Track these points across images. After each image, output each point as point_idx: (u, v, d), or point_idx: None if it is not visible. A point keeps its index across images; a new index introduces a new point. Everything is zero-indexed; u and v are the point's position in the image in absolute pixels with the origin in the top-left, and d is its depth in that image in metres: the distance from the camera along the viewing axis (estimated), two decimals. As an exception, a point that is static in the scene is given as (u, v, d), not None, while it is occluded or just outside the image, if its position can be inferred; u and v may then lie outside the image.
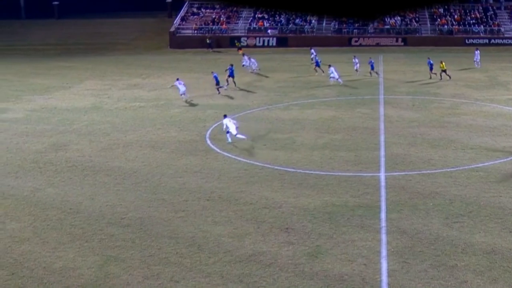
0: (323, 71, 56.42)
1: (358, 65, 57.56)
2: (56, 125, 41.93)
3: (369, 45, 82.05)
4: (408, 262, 20.81)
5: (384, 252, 21.52)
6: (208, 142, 36.62)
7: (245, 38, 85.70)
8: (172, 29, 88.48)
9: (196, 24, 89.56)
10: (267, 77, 58.57)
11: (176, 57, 76.07)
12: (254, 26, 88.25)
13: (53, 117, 44.46)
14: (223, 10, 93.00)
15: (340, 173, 30.10)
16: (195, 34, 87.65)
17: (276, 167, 31.33)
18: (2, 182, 30.47)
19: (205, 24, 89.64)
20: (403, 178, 29.21)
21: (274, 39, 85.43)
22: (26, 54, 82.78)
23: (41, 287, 20.09)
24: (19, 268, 21.37)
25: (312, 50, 66.20)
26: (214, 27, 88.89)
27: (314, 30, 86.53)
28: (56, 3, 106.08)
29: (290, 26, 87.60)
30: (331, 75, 52.62)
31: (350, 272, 20.26)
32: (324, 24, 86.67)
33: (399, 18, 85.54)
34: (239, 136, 35.77)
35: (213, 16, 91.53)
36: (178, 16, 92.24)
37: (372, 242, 22.32)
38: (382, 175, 29.72)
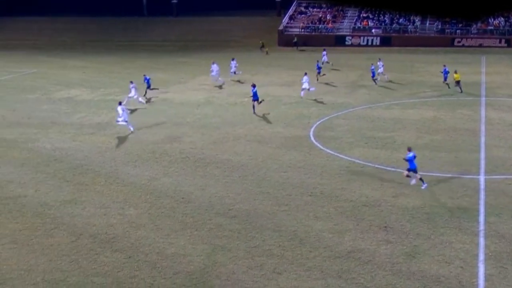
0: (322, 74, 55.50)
1: (382, 69, 55.21)
2: (172, 118, 42.71)
3: (472, 46, 79.75)
4: (506, 267, 20.02)
5: (481, 256, 20.78)
6: (312, 138, 36.43)
7: (350, 37, 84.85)
8: (281, 27, 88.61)
9: (303, 23, 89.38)
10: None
11: (283, 55, 76.05)
12: (359, 25, 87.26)
13: (169, 110, 45.32)
14: (329, 10, 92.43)
15: (439, 174, 29.31)
16: (302, 33, 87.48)
17: (377, 166, 30.83)
18: (123, 170, 31.27)
19: (311, 23, 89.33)
20: (503, 181, 28.15)
21: (378, 38, 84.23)
22: (147, 49, 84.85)
23: (154, 271, 20.44)
24: (135, 252, 21.84)
25: (324, 52, 65.12)
26: (320, 26, 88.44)
27: (417, 30, 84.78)
28: (175, 1, 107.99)
29: (393, 25, 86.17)
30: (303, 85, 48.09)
31: (447, 274, 19.69)
32: (427, 24, 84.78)
33: (502, 19, 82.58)
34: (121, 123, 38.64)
35: (320, 15, 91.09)
36: (287, 15, 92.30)
37: (470, 245, 21.60)
38: (482, 177, 28.74)
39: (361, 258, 20.86)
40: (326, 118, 41.40)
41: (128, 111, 40.81)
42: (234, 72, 57.35)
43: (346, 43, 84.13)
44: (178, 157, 33.28)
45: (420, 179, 27.29)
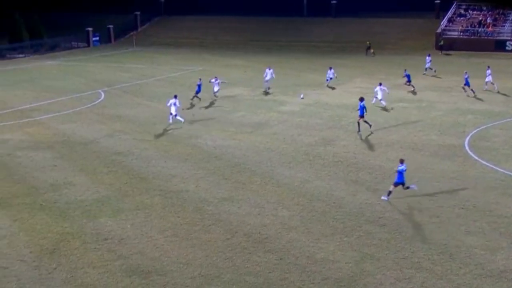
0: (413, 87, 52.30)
1: (490, 77, 51.76)
2: (327, 120, 42.72)
3: None
4: None
5: None
6: (467, 148, 35.16)
7: (511, 42, 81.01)
8: (439, 30, 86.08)
9: (462, 26, 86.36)
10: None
11: (440, 59, 73.82)
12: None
13: (324, 112, 45.35)
14: (490, 12, 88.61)
15: None
16: (461, 36, 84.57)
17: (534, 181, 29.30)
18: (277, 171, 31.65)
19: (471, 26, 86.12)
20: None
21: (542, 44, 79.82)
22: (305, 50, 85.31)
23: (304, 275, 20.53)
24: (286, 255, 22.05)
25: (428, 58, 61.39)
26: (479, 29, 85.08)
27: None
28: (334, 2, 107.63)
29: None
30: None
31: None
32: None
33: None
34: (178, 118, 40.56)
35: (480, 18, 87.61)
36: (445, 17, 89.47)
37: None
38: None
39: (513, 279, 19.94)
40: (483, 127, 39.78)
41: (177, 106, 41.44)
42: (330, 78, 55.75)
43: (507, 48, 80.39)
44: (331, 161, 33.24)
45: (390, 192, 26.98)
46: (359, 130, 38.60)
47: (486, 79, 51.93)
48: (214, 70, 67.58)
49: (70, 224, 24.77)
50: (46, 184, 29.68)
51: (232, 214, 25.95)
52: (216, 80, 50.28)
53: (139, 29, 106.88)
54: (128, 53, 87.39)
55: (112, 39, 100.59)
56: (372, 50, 79.39)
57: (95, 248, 22.52)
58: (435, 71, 61.60)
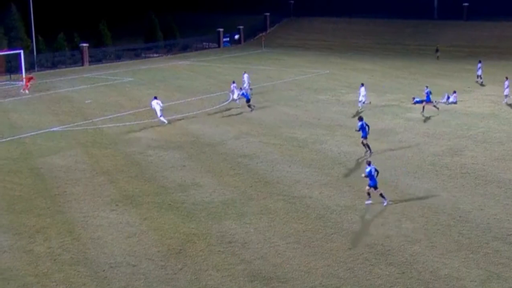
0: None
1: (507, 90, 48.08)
2: (454, 129, 41.44)
3: None
4: None
5: None
6: None
7: None
8: None
9: None
10: None
11: None
12: None
13: (452, 120, 44.02)
14: None
15: None
16: None
17: None
18: (402, 180, 31.02)
19: None
20: None
21: None
22: (432, 55, 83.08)
23: (424, 292, 20.06)
24: (408, 269, 21.53)
25: (479, 65, 57.55)
26: None
27: None
28: (466, 4, 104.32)
29: None
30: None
31: None
32: None
33: None
34: (161, 119, 42.18)
35: None
36: None
37: None
38: None
39: None
40: None
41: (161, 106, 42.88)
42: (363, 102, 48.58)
43: None
44: (458, 172, 32.20)
45: (381, 195, 26.61)
46: (368, 151, 35.59)
47: (505, 93, 49.56)
48: (340, 74, 67.51)
49: (196, 225, 25.35)
50: (175, 184, 30.54)
51: (354, 223, 25.68)
52: (234, 84, 50.24)
53: (268, 30, 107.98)
54: (257, 54, 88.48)
55: (242, 40, 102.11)
56: (438, 54, 77.02)
57: (219, 250, 22.93)
58: (481, 81, 58.98)
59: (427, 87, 47.23)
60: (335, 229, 25.02)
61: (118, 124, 43.47)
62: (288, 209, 27.19)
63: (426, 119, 44.39)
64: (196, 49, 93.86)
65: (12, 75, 65.62)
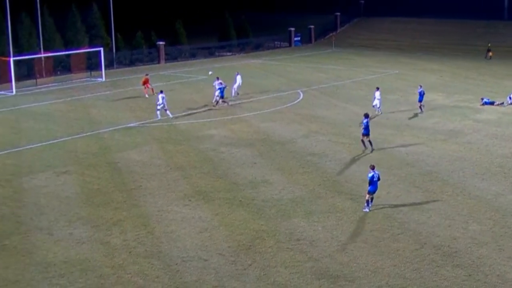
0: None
1: None
2: (524, 131, 40.30)
3: None
4: None
5: None
6: None
7: None
8: None
9: None
10: None
11: None
12: None
13: (522, 122, 42.82)
14: None
15: None
16: None
17: None
18: (470, 182, 30.31)
19: None
20: None
21: None
22: (505, 55, 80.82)
23: (493, 295, 19.56)
24: (475, 271, 21.03)
25: None
26: None
27: None
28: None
29: None
30: None
31: None
32: None
33: None
34: (168, 112, 43.53)
35: None
36: None
37: None
38: None
39: None
40: None
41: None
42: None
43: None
44: (528, 174, 31.29)
45: (369, 200, 26.40)
46: (367, 148, 35.84)
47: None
48: (410, 74, 66.47)
49: (265, 222, 25.40)
50: (246, 180, 30.67)
51: (421, 224, 25.24)
52: (218, 81, 48.83)
53: (338, 30, 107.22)
54: (327, 53, 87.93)
55: (313, 39, 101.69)
56: (490, 54, 74.25)
57: (287, 248, 22.91)
58: None
59: (420, 86, 46.85)
60: (402, 229, 24.66)
61: (192, 121, 43.97)
62: (356, 208, 26.92)
63: (428, 117, 43.26)
64: (268, 48, 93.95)
65: (92, 72, 67.16)
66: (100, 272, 20.99)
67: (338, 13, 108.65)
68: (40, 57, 65.47)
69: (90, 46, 70.90)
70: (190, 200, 27.88)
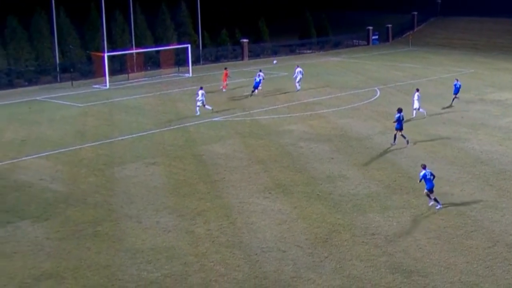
0: None
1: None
2: None
3: None
4: None
5: None
6: None
7: None
8: None
9: None
10: None
11: None
12: None
13: None
14: None
15: None
16: None
17: None
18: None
19: None
20: None
21: None
22: None
23: None
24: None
25: None
26: None
27: None
28: None
29: None
30: None
31: None
32: None
33: None
34: (207, 107, 43.93)
35: None
36: None
37: None
38: None
39: None
40: None
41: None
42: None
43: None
44: None
45: (435, 199, 25.56)
46: (395, 143, 35.62)
47: None
48: (485, 73, 64.59)
49: (342, 216, 25.30)
50: (323, 175, 30.59)
51: (495, 222, 24.57)
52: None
53: (415, 29, 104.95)
54: (403, 52, 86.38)
55: (390, 38, 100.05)
56: None
57: (363, 242, 22.75)
58: None
59: (457, 80, 46.48)
60: (475, 226, 24.07)
61: (273, 116, 44.15)
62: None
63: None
64: (347, 46, 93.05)
65: (180, 68, 68.30)
66: (184, 260, 21.40)
67: (415, 12, 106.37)
68: (132, 53, 67.14)
69: (178, 43, 72.06)
70: (270, 193, 28.05)
